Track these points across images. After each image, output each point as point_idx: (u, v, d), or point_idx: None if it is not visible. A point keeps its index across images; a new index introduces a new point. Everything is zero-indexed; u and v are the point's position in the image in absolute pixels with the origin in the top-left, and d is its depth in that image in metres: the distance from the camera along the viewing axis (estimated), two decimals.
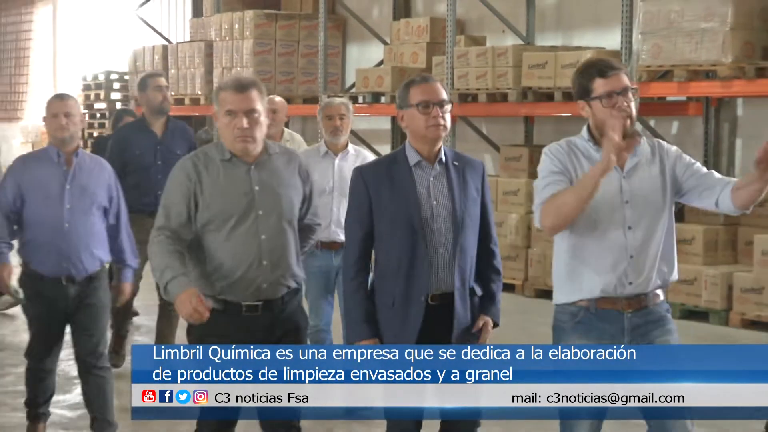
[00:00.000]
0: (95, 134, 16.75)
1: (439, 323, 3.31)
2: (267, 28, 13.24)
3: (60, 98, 4.72)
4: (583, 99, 3.18)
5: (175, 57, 14.60)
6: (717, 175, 3.11)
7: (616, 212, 3.07)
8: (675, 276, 3.18)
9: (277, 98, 5.65)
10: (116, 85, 16.87)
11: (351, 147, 5.27)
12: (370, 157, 5.33)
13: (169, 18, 17.81)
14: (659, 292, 3.13)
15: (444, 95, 3.37)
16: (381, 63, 12.32)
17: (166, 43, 15.80)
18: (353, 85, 12.71)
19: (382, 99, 11.34)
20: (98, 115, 17.13)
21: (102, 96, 16.89)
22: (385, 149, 11.85)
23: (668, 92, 9.33)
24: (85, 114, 15.19)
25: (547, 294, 7.76)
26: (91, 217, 4.58)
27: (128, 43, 16.58)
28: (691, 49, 8.65)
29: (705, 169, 3.13)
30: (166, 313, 5.88)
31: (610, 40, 10.00)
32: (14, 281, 4.59)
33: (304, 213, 3.62)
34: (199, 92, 14.01)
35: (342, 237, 4.16)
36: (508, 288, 9.61)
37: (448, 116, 3.36)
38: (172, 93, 13.95)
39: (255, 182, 3.44)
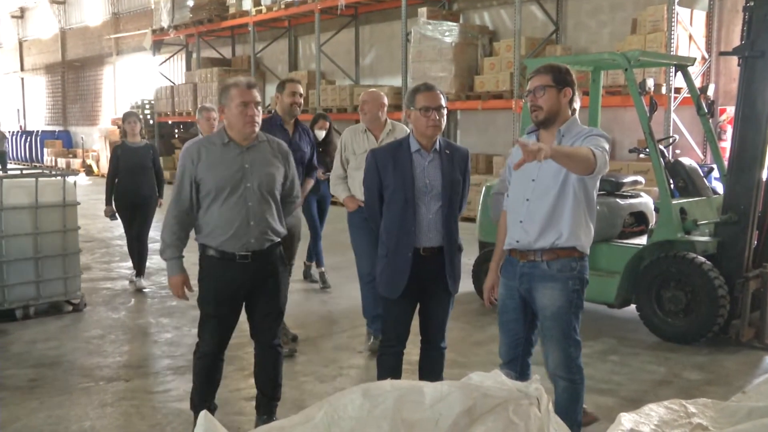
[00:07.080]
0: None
1: (428, 269, 3.37)
2: (225, 76, 16.71)
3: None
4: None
5: (178, 92, 18.87)
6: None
7: (524, 187, 3.10)
8: (567, 242, 3.00)
9: (377, 92, 5.15)
10: (147, 107, 20.45)
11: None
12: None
13: (175, 71, 22.16)
14: (552, 251, 3.01)
15: (442, 101, 3.26)
16: None
17: (172, 84, 20.03)
18: (269, 105, 15.26)
19: None
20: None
21: (140, 112, 19.56)
22: None
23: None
24: None
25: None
26: None
27: (153, 84, 20.93)
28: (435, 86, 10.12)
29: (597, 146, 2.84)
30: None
31: (396, 83, 13.83)
32: None
33: (288, 190, 3.53)
34: (190, 110, 17.72)
35: None
36: None
37: (444, 118, 3.24)
38: (177, 110, 17.71)
39: (246, 161, 3.33)
